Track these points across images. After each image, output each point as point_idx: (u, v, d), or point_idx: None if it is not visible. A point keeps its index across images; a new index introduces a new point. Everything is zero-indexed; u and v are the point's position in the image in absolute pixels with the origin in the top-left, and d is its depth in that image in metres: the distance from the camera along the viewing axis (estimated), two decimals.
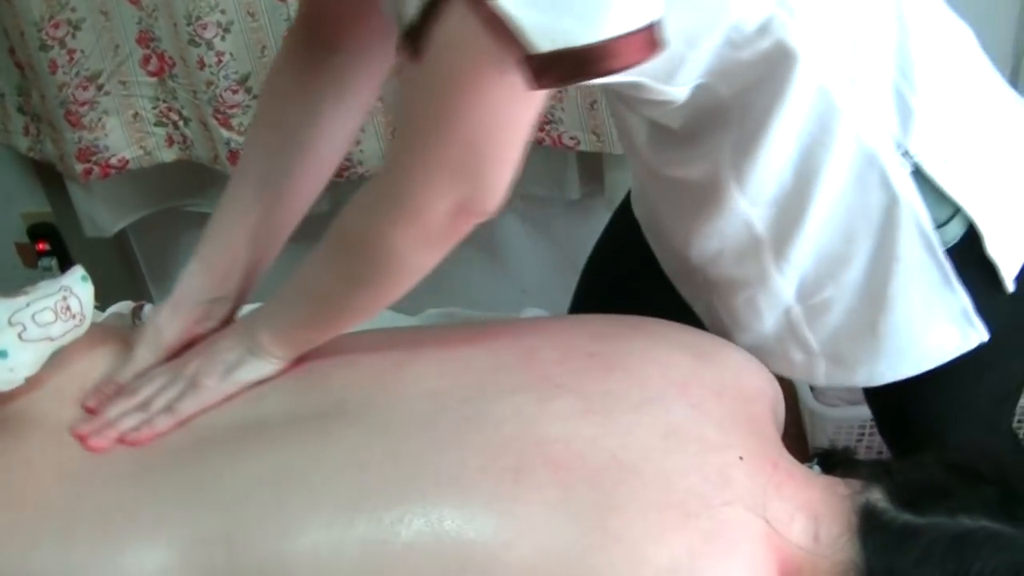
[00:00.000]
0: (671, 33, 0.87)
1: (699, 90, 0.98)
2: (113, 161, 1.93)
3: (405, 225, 0.95)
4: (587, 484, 0.96)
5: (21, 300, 1.10)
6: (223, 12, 1.74)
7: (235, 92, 1.81)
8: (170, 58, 1.85)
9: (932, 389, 1.21)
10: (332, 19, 1.12)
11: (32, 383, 1.10)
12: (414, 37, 0.86)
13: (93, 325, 1.16)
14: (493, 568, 0.93)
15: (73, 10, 1.78)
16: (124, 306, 1.38)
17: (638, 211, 1.35)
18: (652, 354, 1.10)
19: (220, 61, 1.77)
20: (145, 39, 1.84)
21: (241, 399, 1.10)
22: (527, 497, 0.95)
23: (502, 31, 0.78)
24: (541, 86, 0.81)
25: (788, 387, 1.80)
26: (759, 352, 1.17)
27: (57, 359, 1.11)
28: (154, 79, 1.89)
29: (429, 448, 0.99)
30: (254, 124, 1.22)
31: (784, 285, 1.12)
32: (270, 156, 1.18)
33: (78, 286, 1.13)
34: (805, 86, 0.97)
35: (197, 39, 1.75)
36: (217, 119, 1.83)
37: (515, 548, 0.93)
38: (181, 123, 1.92)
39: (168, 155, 1.97)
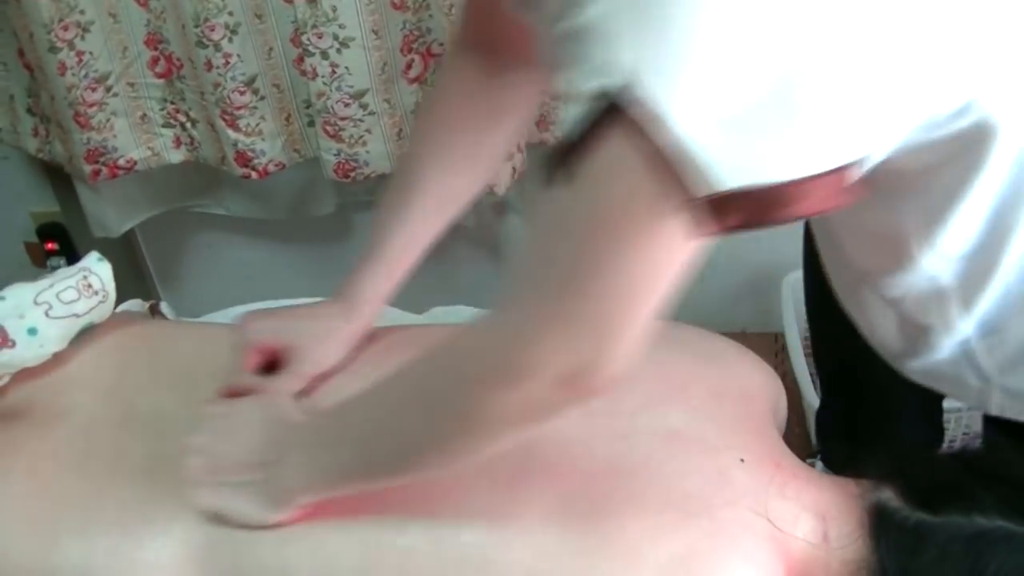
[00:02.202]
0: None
1: (880, 165, 0.81)
2: (121, 162, 1.94)
3: (504, 390, 0.80)
4: (584, 489, 0.98)
5: (44, 283, 1.17)
6: (231, 14, 1.75)
7: (242, 93, 1.82)
8: (178, 60, 1.86)
9: None
10: (502, 37, 1.05)
11: (67, 375, 1.15)
12: (565, 156, 0.72)
13: (129, 316, 1.24)
14: (489, 569, 0.95)
15: (82, 12, 1.79)
16: (135, 304, 1.40)
17: (817, 235, 1.23)
18: (653, 356, 1.09)
19: (227, 63, 1.79)
20: (153, 41, 1.86)
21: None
22: (525, 502, 0.97)
23: (671, 166, 0.66)
24: (718, 230, 0.69)
25: (790, 384, 1.81)
26: (933, 375, 1.10)
27: (95, 354, 1.17)
28: (162, 81, 1.90)
29: None
30: (427, 137, 1.15)
31: (965, 326, 1.02)
32: (452, 174, 1.14)
33: (96, 266, 1.20)
34: (1004, 154, 0.85)
35: (205, 40, 1.76)
36: (224, 120, 1.84)
37: (512, 550, 0.95)
38: (188, 124, 1.94)
39: (176, 156, 1.99)
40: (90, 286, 1.18)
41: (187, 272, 2.36)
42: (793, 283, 2.05)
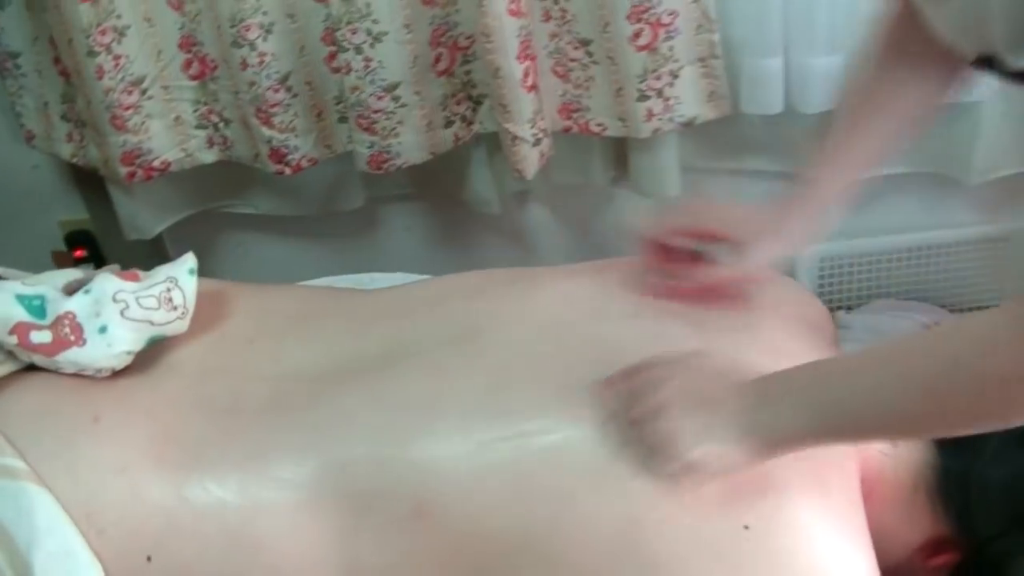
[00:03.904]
0: None
1: None
2: (156, 163, 2.00)
3: None
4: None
5: (131, 284, 1.18)
6: (265, 14, 1.82)
7: (276, 91, 1.88)
8: (212, 61, 1.93)
9: None
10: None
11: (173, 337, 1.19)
12: None
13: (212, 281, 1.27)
14: (633, 463, 1.03)
15: (119, 17, 1.85)
16: None
17: None
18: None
19: (262, 61, 1.85)
20: (187, 44, 1.92)
21: (380, 328, 1.19)
22: None
23: None
24: None
25: None
26: None
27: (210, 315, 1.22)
28: (195, 83, 1.97)
29: (563, 367, 1.09)
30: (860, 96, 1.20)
31: None
32: (875, 131, 1.18)
33: (184, 279, 1.20)
34: None
35: (240, 40, 1.83)
36: (259, 118, 1.91)
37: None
38: (222, 124, 2.00)
39: (209, 156, 2.05)
40: (171, 300, 1.18)
41: (217, 272, 2.40)
42: (808, 256, 2.08)
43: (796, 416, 0.98)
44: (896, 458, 1.11)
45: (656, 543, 1.00)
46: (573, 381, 1.09)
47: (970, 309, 2.18)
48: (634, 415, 1.03)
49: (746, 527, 1.00)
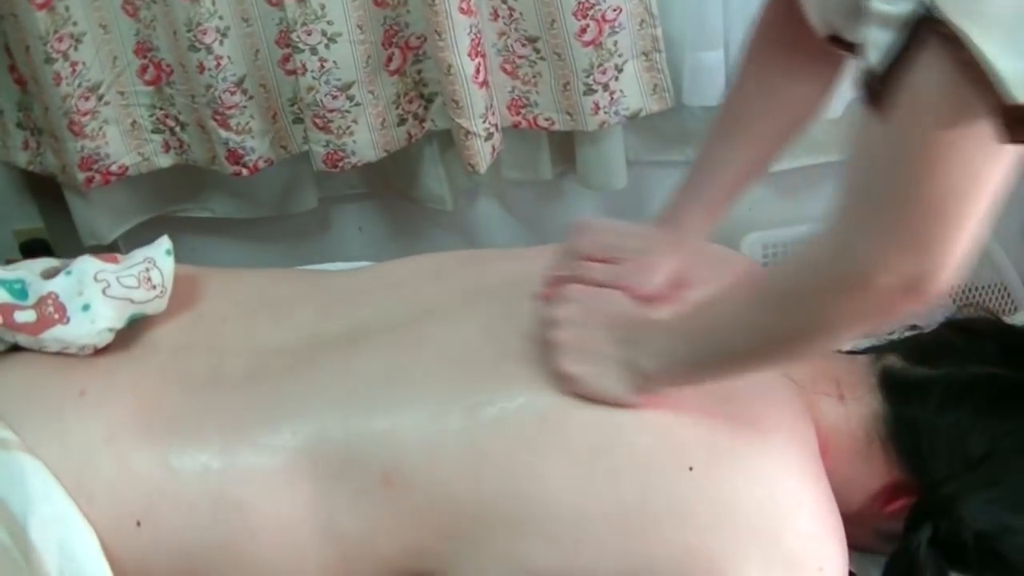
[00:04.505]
0: None
1: None
2: (114, 168, 2.04)
3: (844, 295, 0.87)
4: None
5: (111, 265, 1.22)
6: (221, 18, 1.87)
7: (233, 94, 1.93)
8: (167, 66, 1.97)
9: None
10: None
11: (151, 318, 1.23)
12: (875, 86, 0.79)
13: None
14: (566, 421, 1.10)
15: (75, 24, 1.89)
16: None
17: None
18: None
19: (219, 64, 1.90)
20: (143, 50, 1.96)
21: (346, 307, 1.24)
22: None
23: (978, 79, 0.71)
24: (1015, 140, 0.74)
25: None
26: None
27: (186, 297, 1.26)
28: (151, 88, 2.01)
29: (502, 344, 1.16)
30: (745, 87, 1.22)
31: None
32: (771, 117, 1.18)
33: (161, 259, 1.24)
34: None
35: (197, 44, 1.87)
36: (216, 120, 1.95)
37: (583, 404, 1.10)
38: (178, 128, 2.04)
39: (165, 160, 2.09)
40: (150, 279, 1.22)
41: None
42: (751, 244, 2.15)
43: (668, 349, 1.06)
44: (848, 412, 1.18)
45: (607, 497, 1.07)
46: (509, 357, 1.15)
47: None
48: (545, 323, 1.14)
49: (691, 469, 1.07)
